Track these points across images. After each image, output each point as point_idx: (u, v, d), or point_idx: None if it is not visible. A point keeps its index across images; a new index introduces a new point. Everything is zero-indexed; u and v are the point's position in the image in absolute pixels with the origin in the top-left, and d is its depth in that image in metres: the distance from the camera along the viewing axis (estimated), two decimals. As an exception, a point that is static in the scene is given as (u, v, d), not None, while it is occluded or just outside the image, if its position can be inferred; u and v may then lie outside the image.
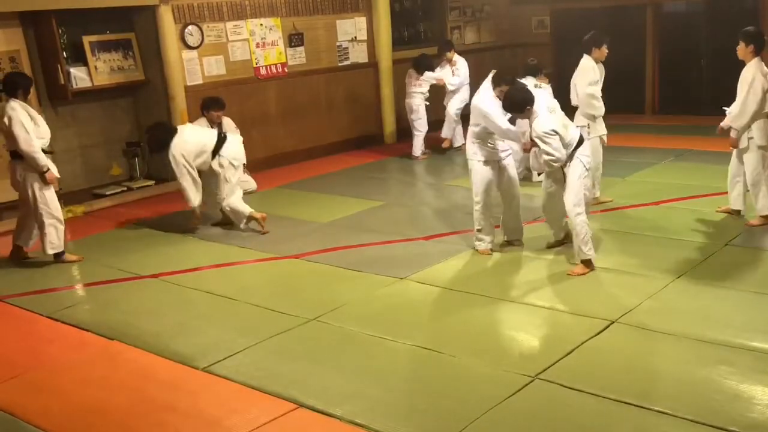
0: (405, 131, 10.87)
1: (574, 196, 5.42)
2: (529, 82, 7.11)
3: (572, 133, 5.49)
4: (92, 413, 4.04)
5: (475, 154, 5.90)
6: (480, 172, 5.90)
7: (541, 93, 5.67)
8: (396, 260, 6.05)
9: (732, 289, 5.08)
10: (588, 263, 5.49)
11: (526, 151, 5.59)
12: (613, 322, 4.61)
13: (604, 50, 7.00)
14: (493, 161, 5.91)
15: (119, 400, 4.14)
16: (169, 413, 3.97)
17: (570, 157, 5.46)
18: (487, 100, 5.76)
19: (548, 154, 5.36)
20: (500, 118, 5.70)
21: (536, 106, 5.40)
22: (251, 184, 8.74)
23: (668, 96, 11.86)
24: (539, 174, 5.90)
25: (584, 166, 5.52)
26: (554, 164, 5.44)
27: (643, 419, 3.58)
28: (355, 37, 10.84)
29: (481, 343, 4.50)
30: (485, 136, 5.84)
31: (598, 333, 4.49)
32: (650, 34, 11.93)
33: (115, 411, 4.04)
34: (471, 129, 5.91)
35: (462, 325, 4.81)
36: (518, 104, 5.45)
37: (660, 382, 3.90)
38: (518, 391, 3.88)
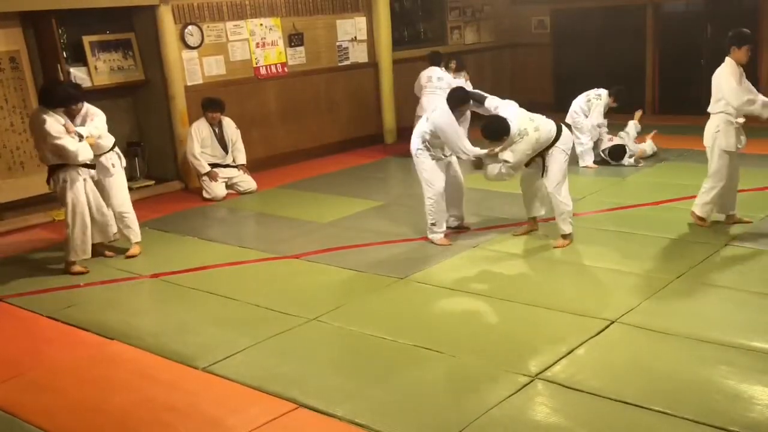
0: (405, 131, 10.86)
1: (554, 178, 5.96)
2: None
3: (544, 133, 5.90)
4: (92, 413, 4.04)
5: (422, 151, 6.26)
6: (430, 168, 6.25)
7: (508, 106, 6.05)
8: (396, 260, 6.05)
9: (732, 289, 5.08)
10: (567, 237, 6.05)
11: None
12: (613, 322, 4.61)
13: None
14: (440, 158, 6.33)
15: (119, 400, 4.14)
16: (169, 413, 3.97)
17: (549, 147, 5.95)
18: (450, 122, 6.08)
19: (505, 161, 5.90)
20: (463, 139, 6.13)
21: (511, 132, 5.82)
22: (251, 184, 8.75)
23: (668, 96, 11.86)
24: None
25: (565, 154, 6.01)
26: (512, 171, 6.00)
27: (643, 419, 3.58)
28: (355, 37, 10.84)
29: (481, 343, 4.50)
30: (435, 144, 6.25)
31: (598, 333, 4.49)
32: (650, 34, 11.93)
33: (115, 411, 4.04)
34: (422, 131, 6.24)
35: (462, 325, 4.81)
36: (496, 133, 5.88)
37: (660, 382, 3.89)
38: (518, 391, 3.88)
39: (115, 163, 6.59)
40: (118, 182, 6.60)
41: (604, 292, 5.16)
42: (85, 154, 6.05)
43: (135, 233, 6.65)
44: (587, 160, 8.78)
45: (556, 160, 5.97)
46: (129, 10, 8.79)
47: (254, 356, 4.53)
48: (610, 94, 8.75)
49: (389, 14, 10.89)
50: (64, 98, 6.07)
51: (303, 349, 4.59)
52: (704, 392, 3.78)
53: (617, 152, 8.72)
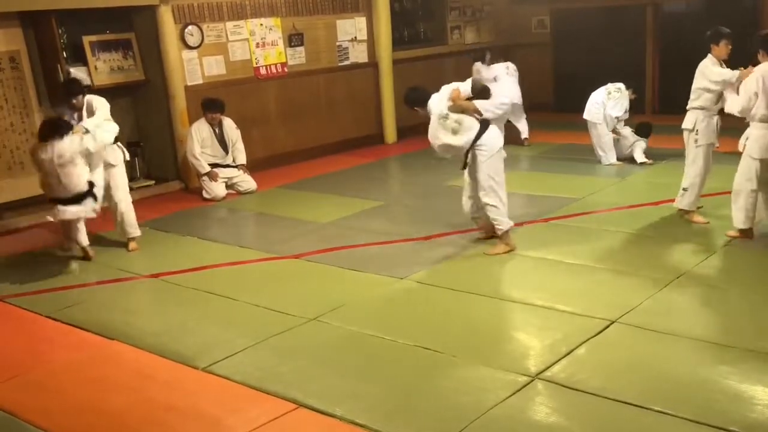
0: (405, 131, 10.88)
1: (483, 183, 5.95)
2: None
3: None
4: (92, 413, 4.04)
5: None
6: None
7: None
8: (396, 260, 6.05)
9: (732, 289, 5.08)
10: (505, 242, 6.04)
11: None
12: (613, 322, 4.61)
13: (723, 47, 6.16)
14: None
15: (119, 400, 4.14)
16: (169, 413, 3.97)
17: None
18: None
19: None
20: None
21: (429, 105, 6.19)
22: (251, 184, 8.75)
23: (668, 96, 11.85)
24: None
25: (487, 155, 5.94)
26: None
27: (643, 419, 3.58)
28: (355, 37, 10.84)
29: (481, 343, 4.50)
30: None
31: (598, 333, 4.49)
32: (650, 34, 11.93)
33: (114, 411, 4.04)
34: None
35: (462, 325, 4.81)
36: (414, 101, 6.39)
37: (660, 382, 3.89)
38: (518, 391, 3.88)
39: (118, 156, 6.62)
40: (120, 176, 6.67)
41: (604, 292, 5.15)
42: (106, 140, 6.30)
43: (134, 228, 6.77)
44: (611, 157, 8.75)
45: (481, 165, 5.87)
46: (129, 10, 8.79)
47: (254, 356, 4.53)
48: (628, 87, 8.74)
49: (389, 14, 10.89)
50: (54, 130, 6.07)
51: (303, 349, 4.59)
52: (704, 392, 3.78)
53: (644, 129, 8.79)
